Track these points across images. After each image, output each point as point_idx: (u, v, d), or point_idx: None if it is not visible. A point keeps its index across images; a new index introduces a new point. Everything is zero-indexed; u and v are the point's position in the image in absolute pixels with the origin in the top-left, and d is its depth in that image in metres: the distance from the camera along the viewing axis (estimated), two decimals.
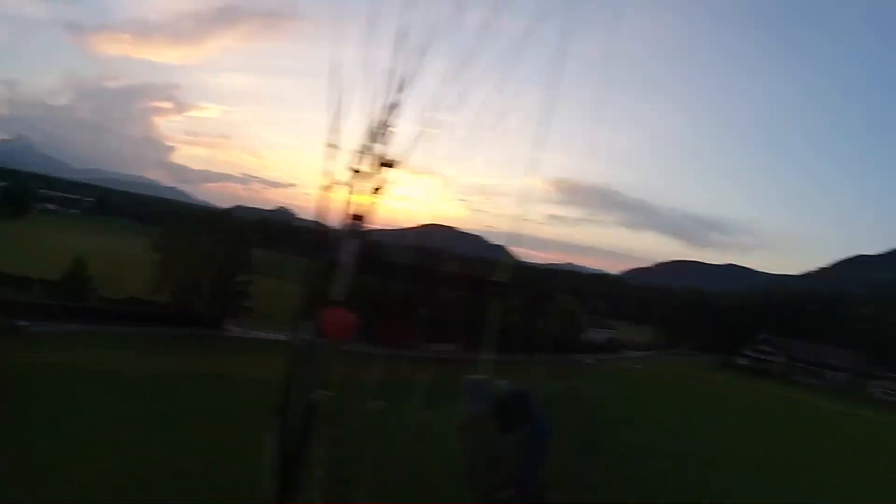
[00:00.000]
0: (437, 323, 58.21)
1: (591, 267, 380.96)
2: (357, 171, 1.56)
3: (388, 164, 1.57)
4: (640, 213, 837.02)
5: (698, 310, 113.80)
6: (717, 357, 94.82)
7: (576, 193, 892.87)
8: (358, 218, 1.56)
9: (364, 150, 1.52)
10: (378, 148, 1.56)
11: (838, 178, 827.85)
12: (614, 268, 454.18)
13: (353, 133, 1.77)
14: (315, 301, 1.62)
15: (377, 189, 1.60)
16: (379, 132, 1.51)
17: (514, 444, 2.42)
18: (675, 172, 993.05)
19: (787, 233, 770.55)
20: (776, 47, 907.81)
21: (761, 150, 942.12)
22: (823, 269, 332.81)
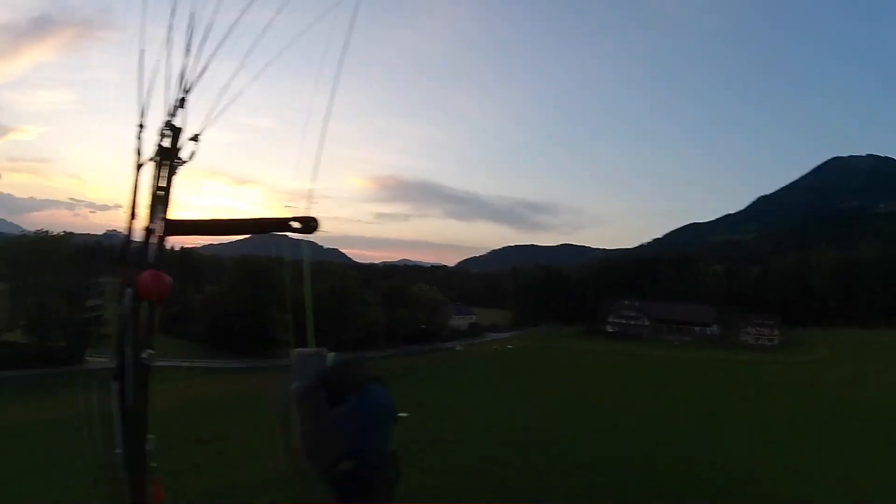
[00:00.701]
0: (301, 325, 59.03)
1: (427, 261, 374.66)
2: (161, 148, 1.58)
3: (193, 139, 1.59)
4: (468, 204, 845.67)
5: (551, 285, 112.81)
6: (581, 328, 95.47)
7: (402, 189, 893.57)
8: (162, 191, 1.59)
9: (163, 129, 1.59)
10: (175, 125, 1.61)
11: (660, 152, 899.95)
12: (450, 260, 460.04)
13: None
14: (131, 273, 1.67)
15: (176, 164, 1.62)
16: (174, 112, 1.59)
17: (343, 415, 2.22)
18: (498, 162, 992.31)
19: (614, 210, 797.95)
20: (586, 31, 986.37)
21: (578, 133, 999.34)
22: (657, 239, 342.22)
